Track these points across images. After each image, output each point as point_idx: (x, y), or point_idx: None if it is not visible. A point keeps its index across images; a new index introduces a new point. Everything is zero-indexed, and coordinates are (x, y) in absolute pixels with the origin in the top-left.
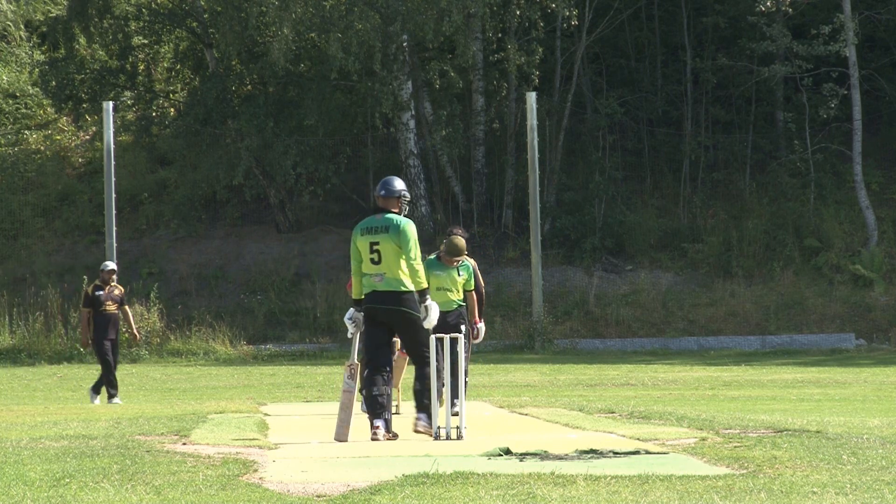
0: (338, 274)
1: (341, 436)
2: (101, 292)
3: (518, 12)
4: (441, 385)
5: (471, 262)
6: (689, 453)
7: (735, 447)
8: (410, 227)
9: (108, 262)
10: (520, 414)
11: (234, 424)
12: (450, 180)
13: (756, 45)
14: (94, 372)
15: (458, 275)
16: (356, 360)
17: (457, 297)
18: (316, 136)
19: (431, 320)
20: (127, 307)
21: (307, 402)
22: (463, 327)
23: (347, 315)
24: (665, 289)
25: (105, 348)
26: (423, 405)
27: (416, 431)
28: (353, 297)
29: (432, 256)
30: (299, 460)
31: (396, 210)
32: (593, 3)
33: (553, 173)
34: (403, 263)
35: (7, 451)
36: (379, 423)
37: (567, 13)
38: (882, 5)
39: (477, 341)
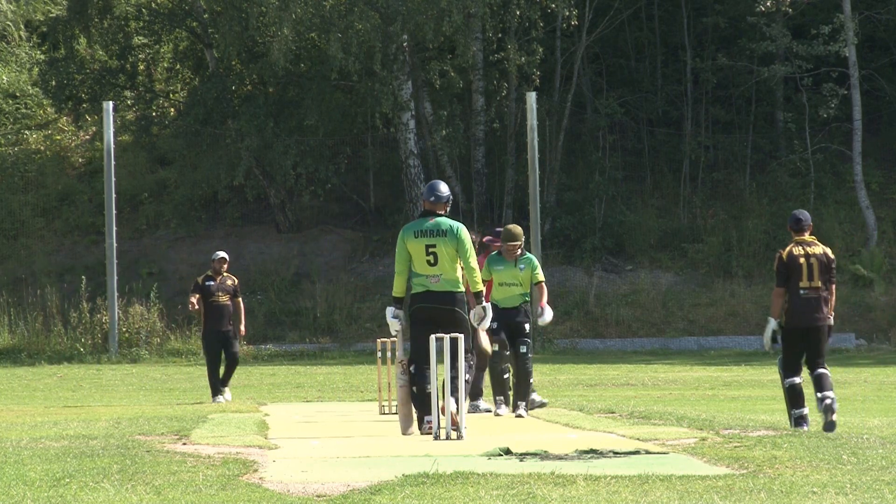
0: (337, 274)
1: (406, 430)
2: (212, 283)
3: (518, 12)
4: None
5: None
6: (689, 453)
7: (735, 447)
8: (466, 232)
9: (218, 252)
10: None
11: (234, 424)
12: (450, 180)
13: (756, 45)
14: (93, 372)
15: (519, 269)
16: (404, 356)
17: (521, 290)
18: (316, 136)
19: (486, 324)
20: (240, 299)
21: (307, 402)
22: (527, 326)
23: (391, 314)
24: (665, 289)
25: (212, 341)
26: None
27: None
28: (395, 295)
29: (494, 252)
30: (299, 460)
31: (443, 213)
32: (593, 3)
33: (553, 173)
34: (458, 266)
35: (7, 451)
36: (430, 418)
37: (567, 13)
38: (882, 5)
39: (545, 321)
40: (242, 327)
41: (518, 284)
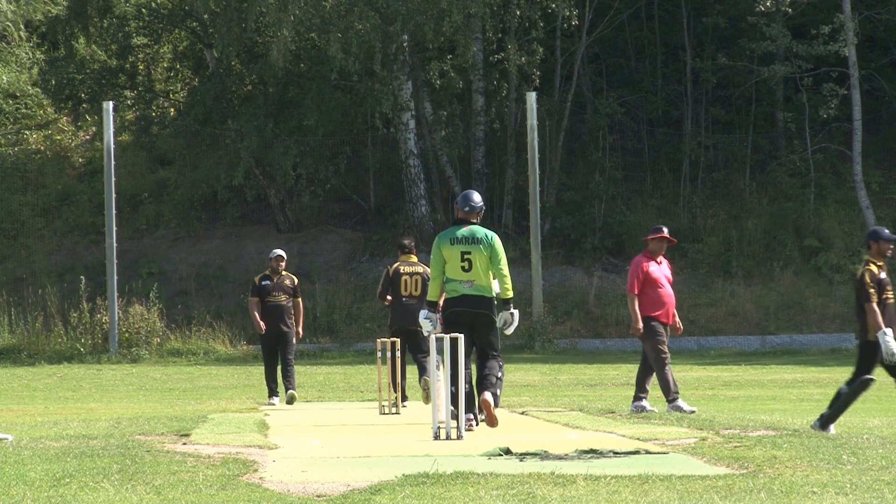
0: (337, 274)
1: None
2: (269, 282)
3: (518, 12)
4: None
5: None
6: (689, 453)
7: (735, 447)
8: (499, 241)
9: (275, 250)
10: (520, 414)
11: (234, 424)
12: (450, 180)
13: (756, 45)
14: (93, 372)
15: None
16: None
17: None
18: (316, 136)
19: (513, 328)
20: (300, 299)
21: (307, 402)
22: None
23: (423, 315)
24: None
25: (270, 340)
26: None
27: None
28: (430, 299)
29: None
30: (299, 460)
31: (476, 221)
32: (593, 3)
33: (553, 173)
34: (491, 273)
35: (7, 451)
36: (470, 415)
37: (567, 13)
38: (882, 5)
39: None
40: (301, 328)
41: None
